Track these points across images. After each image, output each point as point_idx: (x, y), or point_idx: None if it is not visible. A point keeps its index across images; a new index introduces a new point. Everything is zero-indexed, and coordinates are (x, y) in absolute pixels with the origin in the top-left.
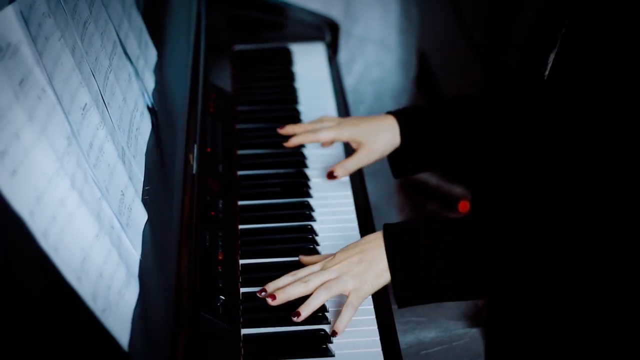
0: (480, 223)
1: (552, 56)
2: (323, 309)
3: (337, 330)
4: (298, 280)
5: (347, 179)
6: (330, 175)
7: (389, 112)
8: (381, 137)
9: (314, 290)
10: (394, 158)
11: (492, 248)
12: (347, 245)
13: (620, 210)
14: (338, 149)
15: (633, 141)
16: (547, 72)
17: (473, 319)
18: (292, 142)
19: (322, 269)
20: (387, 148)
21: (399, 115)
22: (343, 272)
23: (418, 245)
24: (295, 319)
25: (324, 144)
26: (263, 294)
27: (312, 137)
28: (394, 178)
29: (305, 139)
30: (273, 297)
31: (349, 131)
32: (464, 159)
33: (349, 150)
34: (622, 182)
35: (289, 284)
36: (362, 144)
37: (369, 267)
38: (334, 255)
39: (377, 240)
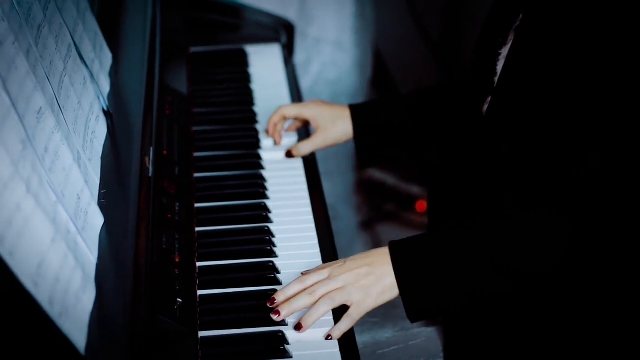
0: (478, 230)
1: (504, 50)
2: None
3: (333, 336)
4: (305, 288)
5: (304, 180)
6: (289, 154)
7: (349, 104)
8: (338, 124)
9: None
10: (357, 148)
11: (495, 253)
12: (356, 255)
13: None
14: (298, 160)
15: (586, 133)
16: (498, 67)
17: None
18: (271, 133)
19: (330, 276)
20: (341, 136)
21: (354, 107)
22: (349, 282)
23: (425, 260)
24: (298, 331)
25: (289, 128)
26: (275, 303)
27: (278, 112)
28: (354, 175)
29: (273, 118)
30: (277, 313)
31: (312, 110)
32: (420, 151)
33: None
34: (580, 179)
35: (297, 293)
36: (320, 128)
37: (375, 281)
38: (343, 261)
39: (385, 255)
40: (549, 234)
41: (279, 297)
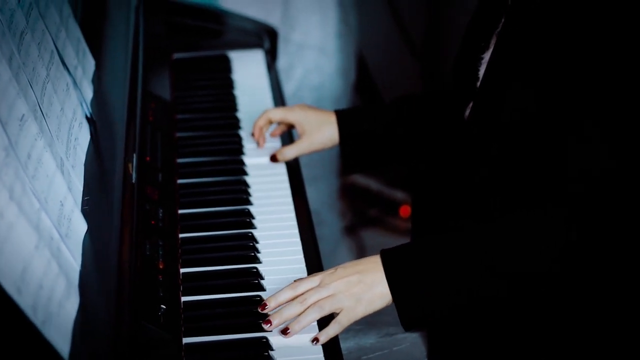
0: (471, 234)
1: (487, 55)
2: (265, 316)
3: (319, 340)
4: (297, 295)
5: (287, 186)
6: (273, 159)
7: (335, 110)
8: (324, 130)
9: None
10: (342, 154)
11: (489, 255)
12: (347, 263)
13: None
14: (281, 166)
15: (569, 134)
16: (481, 72)
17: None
18: (257, 136)
19: (321, 284)
20: (326, 141)
21: (340, 113)
22: (340, 290)
23: (418, 267)
24: (284, 336)
25: (274, 133)
26: (266, 309)
27: (264, 115)
28: (338, 181)
29: (259, 122)
30: (268, 322)
31: (298, 114)
32: (406, 158)
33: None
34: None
35: (288, 299)
36: (305, 132)
37: (367, 289)
38: (335, 269)
39: (377, 264)
40: (543, 233)
41: (271, 303)
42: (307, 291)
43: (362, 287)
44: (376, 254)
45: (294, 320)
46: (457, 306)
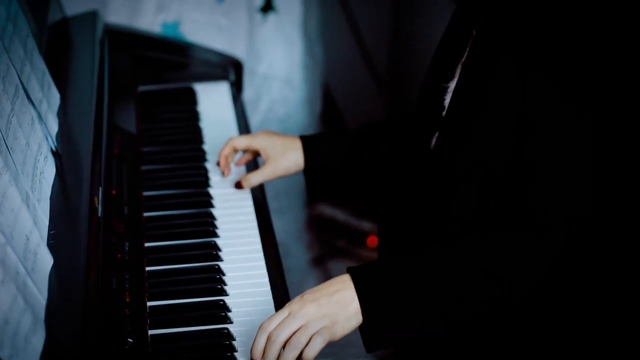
0: (434, 254)
1: (452, 85)
2: (231, 349)
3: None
4: (269, 336)
5: (254, 218)
6: (238, 185)
7: (300, 136)
8: (289, 155)
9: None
10: (306, 180)
11: (450, 278)
12: (315, 288)
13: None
14: (246, 192)
15: (530, 164)
16: (446, 101)
17: (381, 357)
18: (222, 166)
19: (290, 314)
20: (291, 166)
21: (305, 138)
22: (312, 316)
23: (389, 282)
24: None
25: (239, 161)
26: None
27: (229, 144)
28: (305, 212)
29: (224, 151)
30: None
31: (262, 140)
32: (370, 186)
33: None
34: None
35: (265, 343)
36: (270, 158)
37: (340, 309)
38: (301, 295)
39: (345, 282)
40: (509, 256)
41: (256, 357)
42: (278, 325)
43: (335, 307)
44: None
45: None
46: (429, 322)
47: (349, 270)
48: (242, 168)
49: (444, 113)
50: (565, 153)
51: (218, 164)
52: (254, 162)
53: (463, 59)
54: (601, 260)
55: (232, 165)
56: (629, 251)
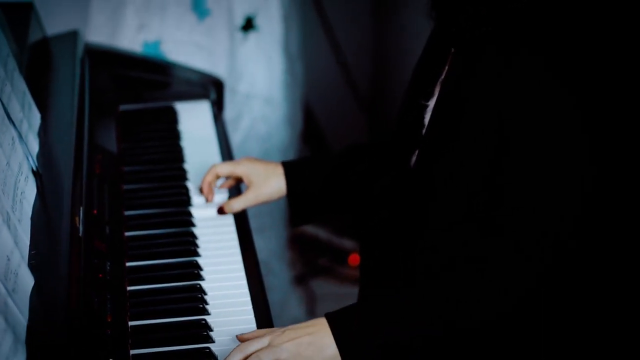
0: (417, 292)
1: (431, 103)
2: None
3: None
4: (246, 357)
5: (235, 237)
6: (220, 211)
7: (282, 162)
8: (271, 181)
9: None
10: (289, 206)
11: (424, 319)
12: (295, 325)
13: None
14: (229, 217)
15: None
16: (426, 119)
17: None
18: (206, 192)
19: (270, 344)
20: (274, 192)
21: (287, 164)
22: (292, 352)
23: (366, 329)
24: None
25: (222, 186)
26: None
27: (211, 171)
28: (286, 230)
29: (207, 177)
30: None
31: (245, 167)
32: (353, 207)
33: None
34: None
35: None
36: (252, 184)
37: (317, 352)
38: (282, 330)
39: (325, 326)
40: (491, 287)
41: None
42: (256, 351)
43: (312, 349)
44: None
45: None
46: None
47: (326, 317)
48: (224, 190)
49: (424, 131)
50: (540, 177)
51: (201, 190)
52: (236, 187)
53: (442, 77)
54: (600, 266)
55: (215, 189)
56: (629, 257)
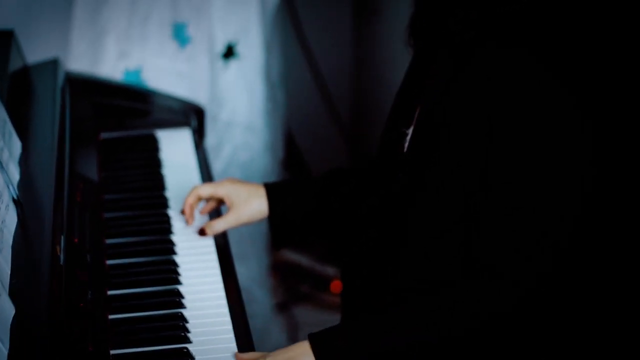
0: (394, 315)
1: (410, 131)
2: None
3: None
4: None
5: (217, 265)
6: (202, 233)
7: (264, 183)
8: (252, 203)
9: None
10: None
11: (419, 326)
12: (276, 351)
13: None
14: (209, 238)
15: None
16: (406, 145)
17: None
18: (187, 214)
19: None
20: (255, 213)
21: (269, 185)
22: None
23: (347, 349)
24: None
25: (204, 210)
26: None
27: (193, 192)
28: (268, 257)
29: (188, 199)
30: None
31: (227, 188)
32: (334, 232)
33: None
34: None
35: None
36: (234, 206)
37: None
38: (264, 356)
39: (306, 348)
40: (472, 308)
41: None
42: None
43: None
44: (308, 330)
45: None
46: None
47: (309, 337)
48: (205, 214)
49: (406, 145)
50: (540, 177)
51: (182, 212)
52: (216, 210)
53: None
54: (600, 266)
55: (196, 212)
56: (628, 257)
